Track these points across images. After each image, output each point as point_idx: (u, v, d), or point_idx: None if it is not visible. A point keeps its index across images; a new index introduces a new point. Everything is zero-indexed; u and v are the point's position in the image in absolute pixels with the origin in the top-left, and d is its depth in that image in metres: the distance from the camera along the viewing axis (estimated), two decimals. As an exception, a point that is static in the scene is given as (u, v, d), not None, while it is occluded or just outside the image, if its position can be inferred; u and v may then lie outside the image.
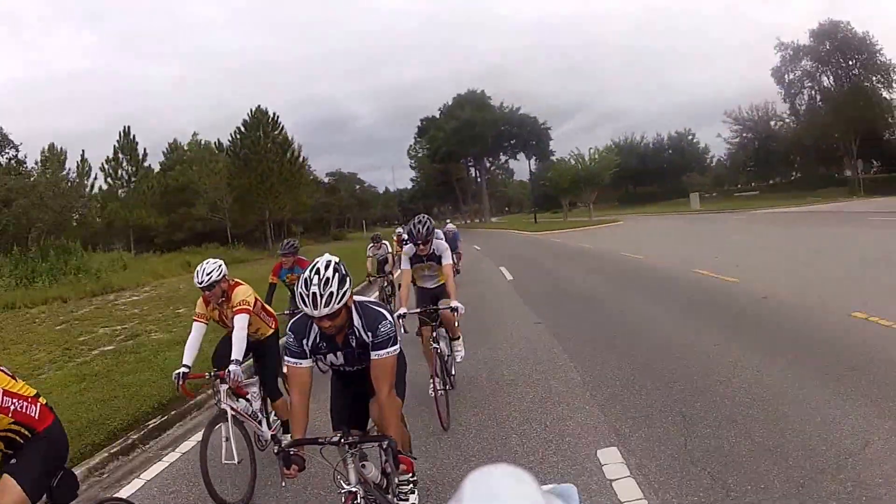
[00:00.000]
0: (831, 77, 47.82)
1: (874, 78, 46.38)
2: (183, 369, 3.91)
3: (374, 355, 2.66)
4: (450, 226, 10.53)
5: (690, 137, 68.26)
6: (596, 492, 3.31)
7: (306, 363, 2.73)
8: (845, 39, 46.83)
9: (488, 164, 72.34)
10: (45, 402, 2.54)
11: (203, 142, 49.55)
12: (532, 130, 65.93)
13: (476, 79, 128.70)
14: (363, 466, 2.78)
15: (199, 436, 4.26)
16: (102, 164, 41.11)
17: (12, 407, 2.34)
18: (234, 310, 4.08)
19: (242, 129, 41.85)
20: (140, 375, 6.72)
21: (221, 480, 3.85)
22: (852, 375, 4.63)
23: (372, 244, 10.51)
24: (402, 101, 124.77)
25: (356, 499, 2.52)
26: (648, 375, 5.30)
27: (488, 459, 3.80)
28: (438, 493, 3.52)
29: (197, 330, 4.14)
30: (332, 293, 2.42)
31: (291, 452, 2.47)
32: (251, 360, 4.54)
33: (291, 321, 2.82)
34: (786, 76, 48.61)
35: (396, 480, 3.04)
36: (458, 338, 5.49)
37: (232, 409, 3.85)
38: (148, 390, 6.04)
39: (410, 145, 75.76)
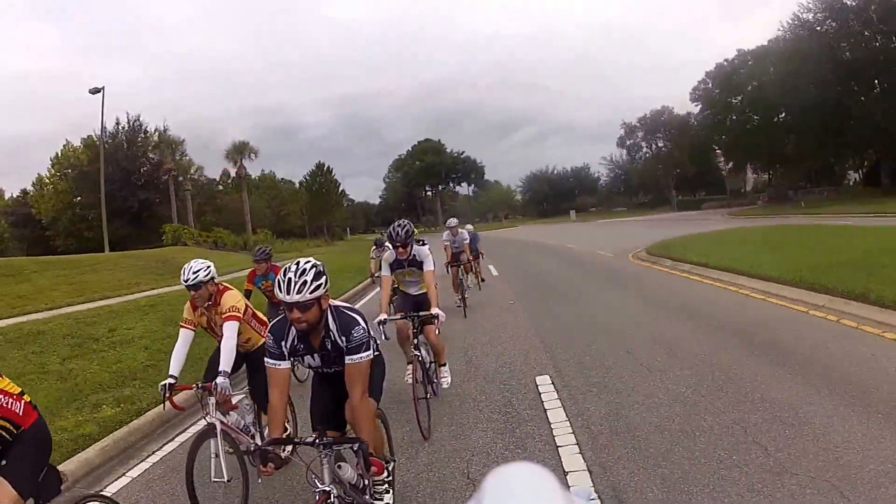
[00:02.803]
0: (661, 141, 76.91)
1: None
2: (169, 380, 3.69)
3: (347, 360, 2.74)
4: (469, 227, 10.34)
5: (587, 170, 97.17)
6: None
7: (285, 365, 2.80)
8: (670, 118, 75.99)
9: (441, 188, 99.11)
10: (28, 399, 2.54)
11: (261, 173, 75.64)
12: (472, 168, 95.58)
13: (431, 91, 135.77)
14: (339, 467, 2.77)
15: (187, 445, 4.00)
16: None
17: None
18: (222, 316, 3.90)
19: (308, 175, 70.31)
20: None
21: (210, 500, 3.68)
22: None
23: (375, 247, 11.46)
24: (354, 112, 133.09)
25: (329, 498, 2.54)
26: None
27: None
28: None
29: (184, 337, 3.92)
30: (305, 282, 2.55)
31: (269, 451, 2.51)
32: (244, 371, 4.31)
33: (271, 324, 2.92)
34: (626, 142, 78.30)
35: (371, 481, 3.06)
36: (444, 364, 5.39)
37: (221, 423, 3.61)
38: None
39: (385, 175, 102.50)
